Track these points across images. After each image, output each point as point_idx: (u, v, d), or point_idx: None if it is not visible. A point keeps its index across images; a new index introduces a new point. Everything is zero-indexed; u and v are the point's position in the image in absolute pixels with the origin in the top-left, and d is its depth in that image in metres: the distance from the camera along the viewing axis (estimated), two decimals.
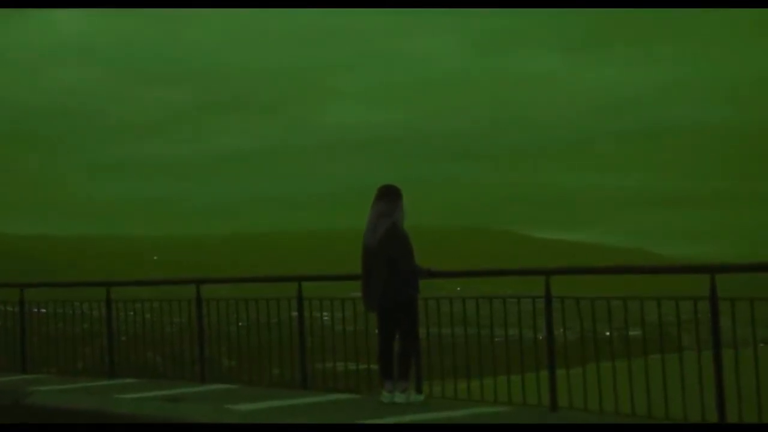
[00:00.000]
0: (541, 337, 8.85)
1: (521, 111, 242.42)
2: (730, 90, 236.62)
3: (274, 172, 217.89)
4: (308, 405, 9.37)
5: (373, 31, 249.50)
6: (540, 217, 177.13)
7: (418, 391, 9.58)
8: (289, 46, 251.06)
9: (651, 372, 7.89)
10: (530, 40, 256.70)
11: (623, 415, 7.77)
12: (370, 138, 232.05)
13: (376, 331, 9.46)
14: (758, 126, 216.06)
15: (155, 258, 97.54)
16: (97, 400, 10.22)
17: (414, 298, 9.25)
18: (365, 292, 9.34)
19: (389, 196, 9.38)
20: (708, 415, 7.27)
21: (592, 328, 8.45)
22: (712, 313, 7.37)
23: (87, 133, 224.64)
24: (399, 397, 9.12)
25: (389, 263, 9.09)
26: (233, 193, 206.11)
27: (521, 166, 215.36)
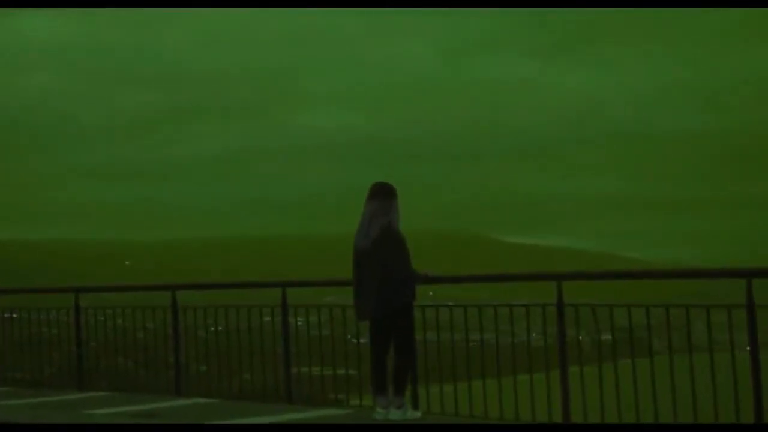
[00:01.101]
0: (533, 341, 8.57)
1: (491, 115, 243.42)
2: (705, 95, 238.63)
3: (246, 176, 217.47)
4: (294, 424, 8.66)
5: (345, 34, 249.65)
6: (510, 221, 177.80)
7: (415, 407, 8.79)
8: (261, 49, 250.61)
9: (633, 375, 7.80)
10: (502, 45, 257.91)
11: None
12: (341, 141, 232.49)
13: (369, 342, 8.67)
14: (730, 131, 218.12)
15: (127, 263, 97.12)
16: (67, 416, 9.52)
17: (410, 305, 8.45)
18: (357, 300, 8.50)
19: (383, 194, 8.57)
20: (684, 416, 7.23)
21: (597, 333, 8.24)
22: (749, 319, 7.08)
23: (59, 137, 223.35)
24: (394, 414, 8.34)
25: (383, 267, 8.28)
26: (206, 196, 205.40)
27: (491, 171, 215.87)
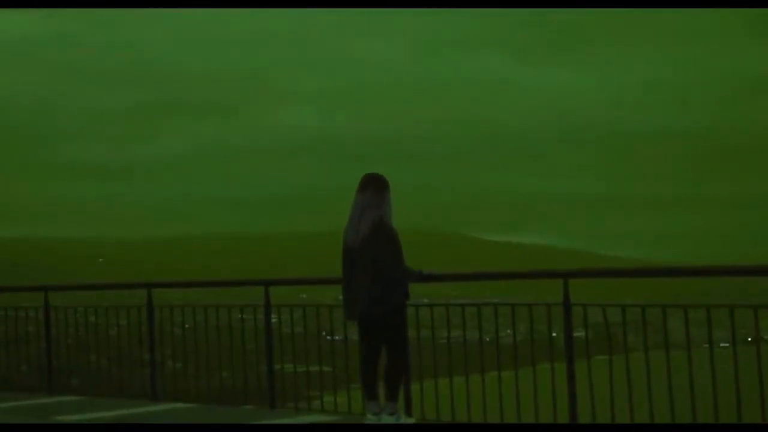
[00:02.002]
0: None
1: (468, 114, 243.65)
2: (682, 95, 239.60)
3: (220, 174, 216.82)
4: None
5: (319, 33, 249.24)
6: (489, 219, 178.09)
7: (409, 412, 8.42)
8: (234, 48, 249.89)
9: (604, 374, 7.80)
10: (478, 44, 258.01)
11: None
12: (315, 141, 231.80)
13: (359, 343, 8.23)
14: (706, 130, 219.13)
15: (101, 260, 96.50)
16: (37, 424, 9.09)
17: (403, 304, 8.00)
18: (346, 298, 8.05)
19: (374, 186, 8.05)
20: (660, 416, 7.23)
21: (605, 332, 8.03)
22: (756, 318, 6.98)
23: (30, 134, 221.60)
24: (387, 420, 7.88)
25: (375, 264, 7.80)
26: (180, 194, 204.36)
27: (469, 169, 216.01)
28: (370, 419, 7.97)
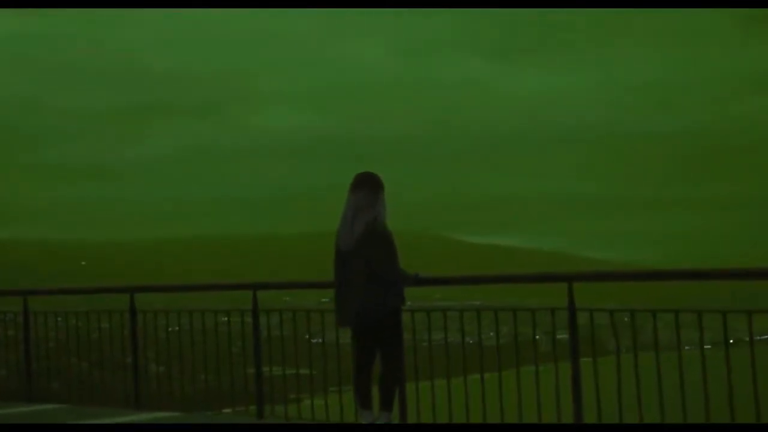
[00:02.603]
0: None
1: (448, 116, 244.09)
2: (664, 96, 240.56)
3: (203, 176, 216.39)
4: None
5: (301, 35, 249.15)
6: (470, 222, 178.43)
7: (404, 422, 8.10)
8: (220, 48, 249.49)
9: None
10: (458, 45, 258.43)
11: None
12: (296, 142, 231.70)
13: (352, 351, 7.85)
14: (694, 131, 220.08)
15: (83, 263, 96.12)
16: None
17: (398, 309, 7.66)
18: (338, 304, 7.68)
19: (368, 185, 7.68)
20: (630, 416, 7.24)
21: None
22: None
23: (12, 135, 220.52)
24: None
25: (369, 267, 7.46)
26: (163, 196, 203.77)
27: (450, 171, 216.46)
28: None
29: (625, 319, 7.73)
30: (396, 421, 7.83)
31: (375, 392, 7.74)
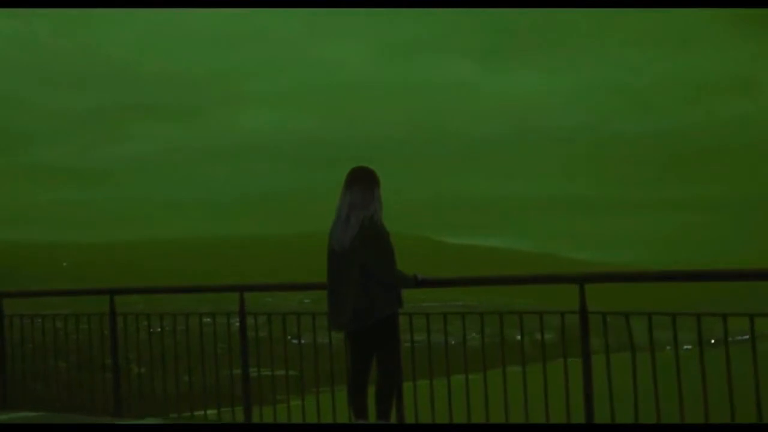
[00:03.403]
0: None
1: (433, 116, 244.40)
2: (642, 97, 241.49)
3: (188, 177, 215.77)
4: None
5: (287, 35, 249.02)
6: (452, 223, 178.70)
7: (401, 422, 7.72)
8: (203, 50, 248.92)
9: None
10: (444, 46, 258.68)
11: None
12: (282, 143, 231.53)
13: (346, 357, 7.42)
14: (667, 133, 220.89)
15: (65, 264, 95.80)
16: None
17: (396, 313, 7.16)
18: (332, 307, 7.22)
19: (363, 181, 7.23)
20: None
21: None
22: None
23: None
24: None
25: (364, 269, 7.00)
26: (147, 197, 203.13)
27: (433, 172, 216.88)
28: None
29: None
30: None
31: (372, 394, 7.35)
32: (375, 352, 7.21)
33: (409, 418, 8.04)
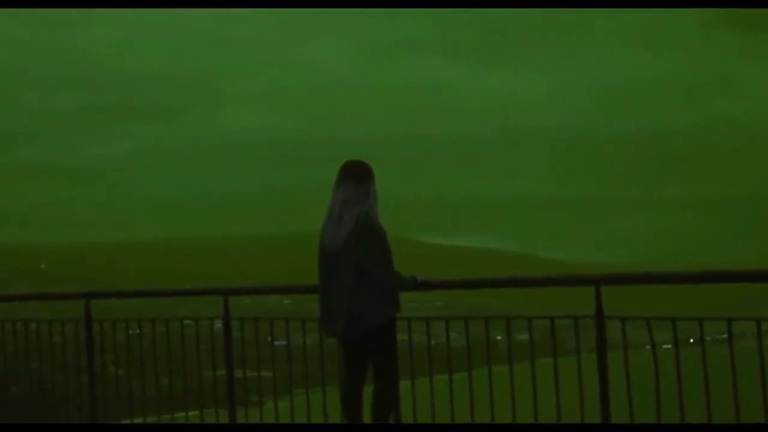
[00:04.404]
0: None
1: (414, 117, 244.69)
2: (618, 97, 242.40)
3: (168, 177, 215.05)
4: None
5: (268, 36, 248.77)
6: (431, 223, 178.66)
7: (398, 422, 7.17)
8: (185, 50, 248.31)
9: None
10: (425, 46, 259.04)
11: None
12: (262, 143, 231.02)
13: (340, 365, 6.97)
14: (654, 134, 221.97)
15: (43, 266, 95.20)
16: None
17: (393, 319, 6.64)
18: (324, 312, 6.72)
19: (357, 176, 6.76)
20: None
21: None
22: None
23: None
24: None
25: (358, 270, 6.49)
26: (128, 198, 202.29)
27: (413, 173, 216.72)
28: None
29: (587, 319, 7.60)
30: None
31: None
32: (371, 360, 6.69)
33: (406, 418, 7.77)
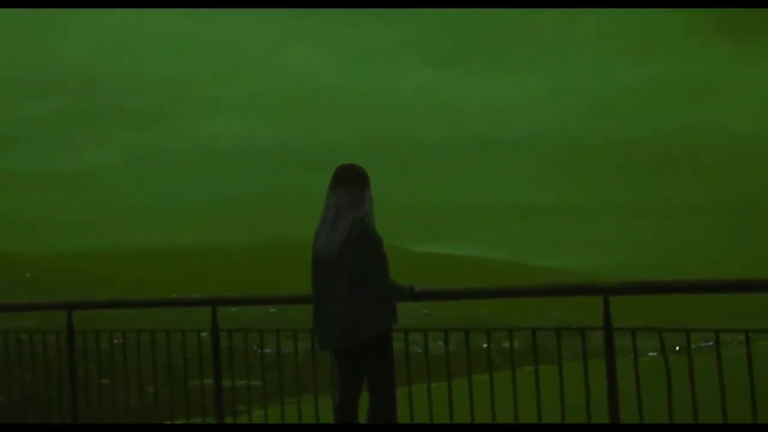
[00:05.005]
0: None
1: (395, 123, 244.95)
2: (603, 103, 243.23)
3: (149, 184, 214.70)
4: None
5: (248, 42, 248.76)
6: (414, 230, 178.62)
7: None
8: (167, 56, 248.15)
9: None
10: (406, 53, 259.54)
11: None
12: (243, 150, 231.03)
13: (335, 378, 6.64)
14: (633, 140, 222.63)
15: (28, 275, 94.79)
16: None
17: (389, 329, 6.30)
18: (317, 323, 6.39)
19: (352, 180, 6.41)
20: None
21: None
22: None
23: None
24: None
25: (353, 280, 6.17)
26: (111, 205, 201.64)
27: (395, 179, 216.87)
28: None
29: (573, 327, 7.58)
30: None
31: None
32: (366, 373, 6.40)
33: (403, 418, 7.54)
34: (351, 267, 6.20)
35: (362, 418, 6.60)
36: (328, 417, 7.27)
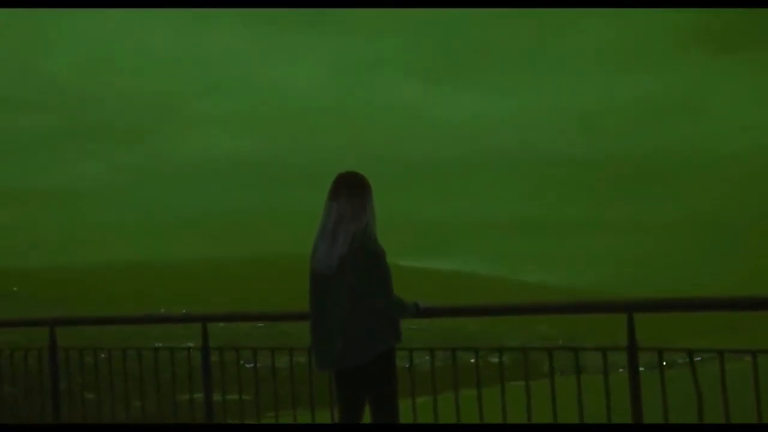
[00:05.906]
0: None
1: (382, 138, 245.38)
2: (585, 120, 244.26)
3: (135, 199, 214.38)
4: None
5: (235, 57, 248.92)
6: (402, 245, 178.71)
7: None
8: (153, 71, 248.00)
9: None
10: (393, 69, 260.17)
11: None
12: (230, 164, 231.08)
13: (335, 399, 6.21)
14: (610, 155, 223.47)
15: (15, 289, 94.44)
16: None
17: (392, 349, 5.92)
18: (316, 342, 6.00)
19: (352, 190, 5.99)
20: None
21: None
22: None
23: None
24: None
25: (355, 294, 5.80)
26: (97, 220, 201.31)
27: (383, 194, 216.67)
28: None
29: (560, 340, 7.59)
30: None
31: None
32: (368, 395, 5.99)
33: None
34: (352, 282, 5.83)
35: None
36: None
